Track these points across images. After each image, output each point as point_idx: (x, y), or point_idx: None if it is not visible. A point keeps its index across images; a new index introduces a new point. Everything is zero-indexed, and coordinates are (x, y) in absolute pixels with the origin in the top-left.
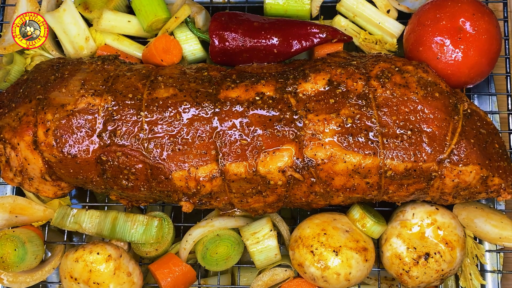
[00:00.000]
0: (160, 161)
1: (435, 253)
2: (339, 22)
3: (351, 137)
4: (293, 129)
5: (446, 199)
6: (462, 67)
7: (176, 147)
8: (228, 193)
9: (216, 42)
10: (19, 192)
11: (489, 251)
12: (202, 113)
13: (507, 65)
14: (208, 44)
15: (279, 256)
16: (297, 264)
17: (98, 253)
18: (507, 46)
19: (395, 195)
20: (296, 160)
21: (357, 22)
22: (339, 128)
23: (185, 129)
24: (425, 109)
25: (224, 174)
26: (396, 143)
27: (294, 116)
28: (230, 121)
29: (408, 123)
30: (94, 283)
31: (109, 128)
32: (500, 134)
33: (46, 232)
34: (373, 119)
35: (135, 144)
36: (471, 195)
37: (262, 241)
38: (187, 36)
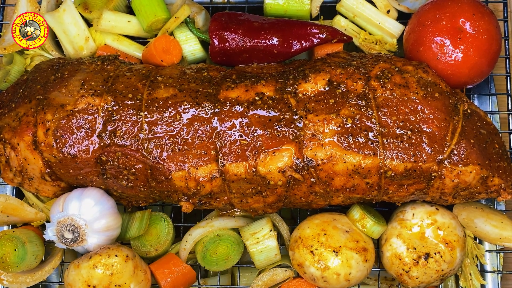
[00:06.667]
0: (160, 161)
1: (435, 253)
2: (339, 22)
3: (351, 137)
4: (293, 129)
5: (446, 199)
6: (462, 67)
7: (176, 147)
8: (228, 193)
9: (216, 42)
10: (18, 192)
11: (489, 251)
12: (202, 113)
13: (507, 65)
14: (208, 44)
15: (279, 256)
16: (297, 264)
17: (116, 255)
18: (507, 46)
19: (395, 195)
20: (296, 161)
21: (357, 22)
22: (339, 128)
23: (185, 129)
24: (425, 109)
25: (224, 174)
26: (396, 143)
27: (294, 116)
28: (230, 121)
29: (408, 123)
30: (115, 285)
31: (109, 128)
32: (500, 134)
33: None
34: (373, 119)
35: (135, 144)
36: (471, 195)
37: (262, 241)
38: (187, 36)
